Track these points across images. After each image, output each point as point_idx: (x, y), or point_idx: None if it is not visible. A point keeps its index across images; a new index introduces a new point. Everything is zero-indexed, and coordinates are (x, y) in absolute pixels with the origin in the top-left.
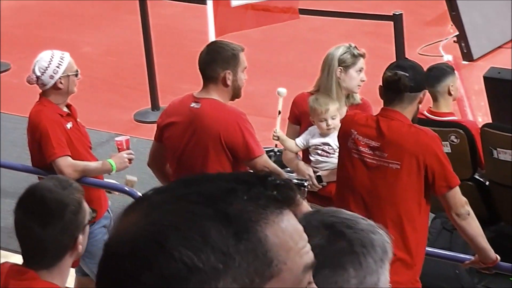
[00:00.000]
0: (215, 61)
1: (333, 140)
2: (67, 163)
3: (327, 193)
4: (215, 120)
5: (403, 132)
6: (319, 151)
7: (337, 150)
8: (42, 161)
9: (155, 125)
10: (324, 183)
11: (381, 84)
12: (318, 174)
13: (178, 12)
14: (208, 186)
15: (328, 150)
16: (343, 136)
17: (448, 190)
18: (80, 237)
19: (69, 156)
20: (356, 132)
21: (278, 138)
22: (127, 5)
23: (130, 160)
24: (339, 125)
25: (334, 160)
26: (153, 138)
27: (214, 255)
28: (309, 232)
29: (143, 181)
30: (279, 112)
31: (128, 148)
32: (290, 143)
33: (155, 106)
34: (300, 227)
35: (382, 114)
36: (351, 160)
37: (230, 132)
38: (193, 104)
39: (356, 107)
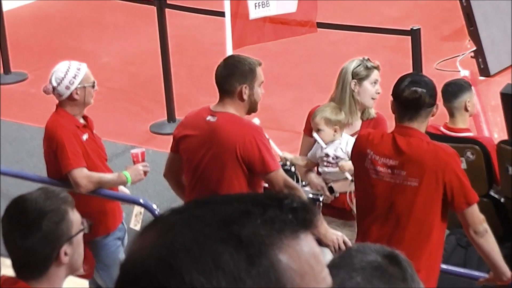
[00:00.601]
0: (232, 75)
1: (333, 150)
2: (82, 174)
3: (341, 204)
4: (231, 134)
5: (422, 149)
6: (325, 163)
7: (337, 159)
8: (58, 172)
9: (171, 136)
10: (337, 194)
11: (393, 99)
12: (330, 185)
13: (197, 23)
14: (223, 208)
15: (331, 161)
16: (358, 157)
17: (467, 207)
18: (66, 248)
19: (85, 167)
20: (372, 152)
21: (286, 160)
22: (146, 16)
23: (145, 172)
24: (328, 138)
25: (348, 177)
26: (169, 150)
27: (226, 279)
28: (365, 251)
29: (159, 192)
30: (268, 139)
31: (143, 161)
32: (298, 160)
33: (171, 117)
34: (318, 251)
35: (399, 132)
36: (369, 180)
37: (246, 146)
38: (209, 118)
39: (370, 121)
